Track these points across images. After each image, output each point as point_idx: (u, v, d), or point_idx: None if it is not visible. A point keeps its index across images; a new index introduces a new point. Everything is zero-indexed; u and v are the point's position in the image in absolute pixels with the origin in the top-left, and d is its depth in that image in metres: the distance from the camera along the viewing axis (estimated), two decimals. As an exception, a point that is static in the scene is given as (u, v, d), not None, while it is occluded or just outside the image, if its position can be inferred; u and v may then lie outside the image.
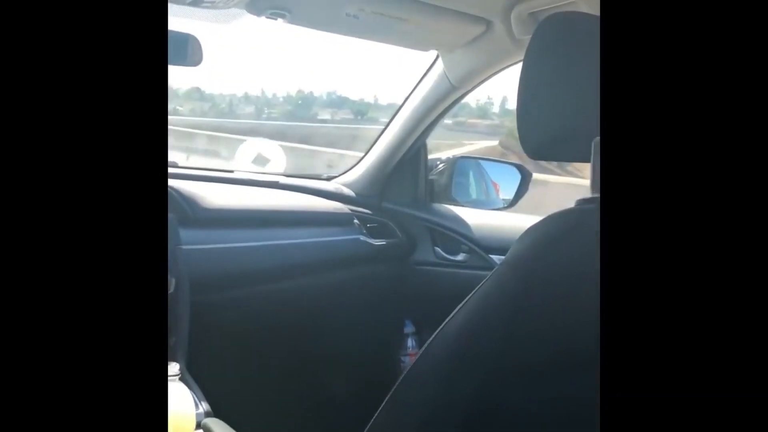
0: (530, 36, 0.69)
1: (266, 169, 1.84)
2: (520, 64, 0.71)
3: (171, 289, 1.19)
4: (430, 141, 1.78)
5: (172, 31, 1.13)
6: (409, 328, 1.74)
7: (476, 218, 1.72)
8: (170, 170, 1.51)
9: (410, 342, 1.73)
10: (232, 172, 1.70)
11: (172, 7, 1.14)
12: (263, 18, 1.19)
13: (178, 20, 1.20)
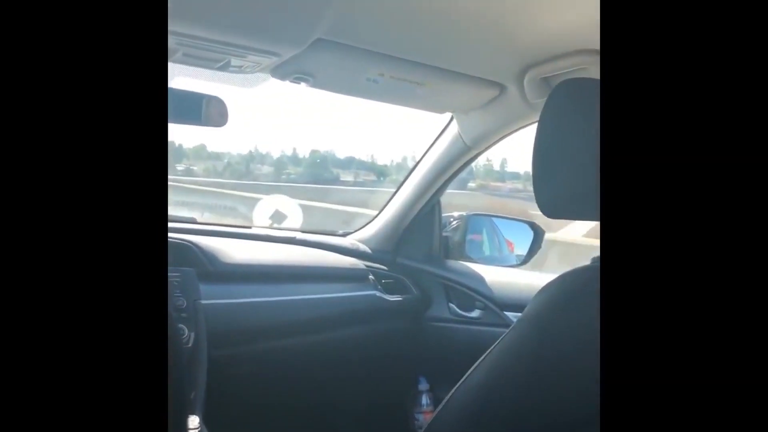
0: (542, 99, 0.73)
1: (283, 225, 1.88)
2: (533, 126, 0.74)
3: (189, 343, 1.21)
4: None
5: (198, 93, 1.18)
6: (423, 386, 1.73)
7: (490, 275, 1.73)
8: (190, 226, 1.55)
9: (424, 399, 1.71)
10: (249, 228, 1.73)
11: (200, 71, 1.20)
12: (287, 82, 1.24)
13: (205, 83, 1.26)
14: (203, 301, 1.26)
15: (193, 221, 1.64)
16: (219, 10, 0.98)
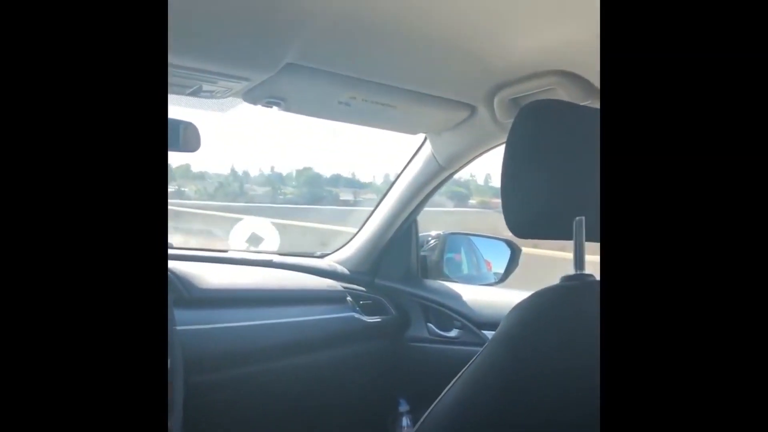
0: (512, 120, 0.74)
1: (260, 247, 1.87)
2: (504, 146, 0.75)
3: (165, 370, 1.19)
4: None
5: (174, 119, 1.18)
6: (403, 407, 1.72)
7: (468, 293, 1.73)
8: (165, 251, 1.53)
9: (405, 421, 1.70)
10: (226, 251, 1.72)
11: (172, 97, 1.20)
12: (259, 106, 1.25)
13: (178, 109, 1.26)
14: (179, 327, 1.25)
15: (168, 246, 1.63)
16: (189, 37, 0.98)
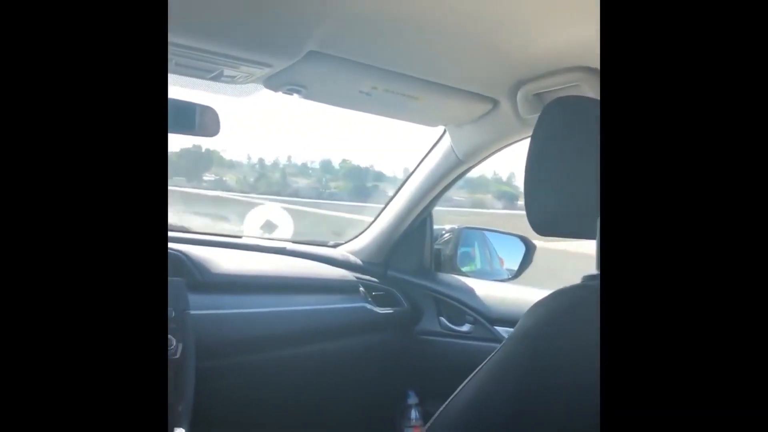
0: (535, 115, 0.73)
1: (274, 235, 1.87)
2: (525, 142, 0.74)
3: (177, 354, 1.19)
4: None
5: (191, 102, 1.17)
6: (412, 399, 1.72)
7: (481, 289, 1.73)
8: (180, 235, 1.53)
9: (413, 413, 1.70)
10: (240, 237, 1.73)
11: (193, 81, 1.20)
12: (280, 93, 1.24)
13: (199, 93, 1.25)
14: (192, 312, 1.25)
15: (184, 230, 1.63)
16: (213, 21, 0.98)
